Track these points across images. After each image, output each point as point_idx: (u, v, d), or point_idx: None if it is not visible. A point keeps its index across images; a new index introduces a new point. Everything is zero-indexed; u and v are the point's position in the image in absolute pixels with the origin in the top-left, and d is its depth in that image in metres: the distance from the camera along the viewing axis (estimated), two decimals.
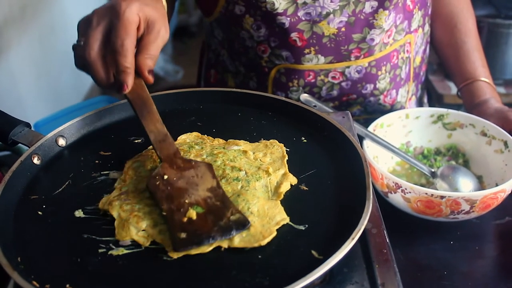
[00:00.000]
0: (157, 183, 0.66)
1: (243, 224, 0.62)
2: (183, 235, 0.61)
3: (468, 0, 1.25)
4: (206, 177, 0.68)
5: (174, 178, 0.67)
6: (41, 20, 2.53)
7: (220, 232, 0.61)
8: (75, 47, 0.73)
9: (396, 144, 1.09)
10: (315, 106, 1.00)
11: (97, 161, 0.77)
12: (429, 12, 1.21)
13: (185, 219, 0.63)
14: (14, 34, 2.18)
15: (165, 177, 0.67)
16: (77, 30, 0.74)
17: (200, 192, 0.66)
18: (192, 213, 0.63)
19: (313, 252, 0.60)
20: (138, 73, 0.70)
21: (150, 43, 0.70)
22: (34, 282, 0.56)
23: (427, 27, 1.22)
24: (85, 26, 0.72)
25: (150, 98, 0.72)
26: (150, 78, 0.71)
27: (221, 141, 0.79)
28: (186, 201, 0.65)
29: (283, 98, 0.86)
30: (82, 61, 0.71)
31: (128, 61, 0.68)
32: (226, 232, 0.61)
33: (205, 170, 0.68)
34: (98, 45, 0.70)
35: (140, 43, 0.71)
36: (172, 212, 0.63)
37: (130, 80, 0.69)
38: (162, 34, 0.72)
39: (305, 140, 0.80)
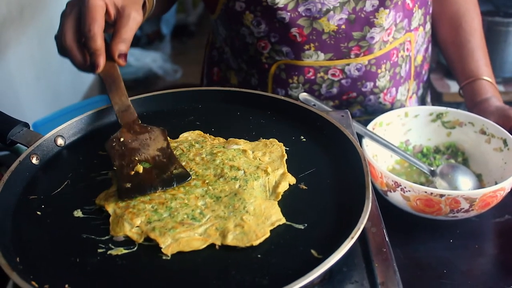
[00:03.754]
0: (113, 144, 0.75)
1: (184, 177, 0.69)
2: (128, 185, 0.68)
3: (475, 0, 1.24)
4: (158, 139, 0.76)
5: (129, 140, 0.75)
6: (40, 20, 2.52)
7: (161, 183, 0.69)
8: (55, 37, 0.80)
9: (395, 142, 1.09)
10: (314, 105, 1.00)
11: (95, 161, 0.77)
12: (430, 11, 1.21)
13: (132, 173, 0.70)
14: (13, 35, 2.18)
15: (121, 139, 0.75)
16: (59, 22, 0.80)
17: (150, 151, 0.74)
18: (139, 168, 0.71)
19: (313, 251, 0.60)
20: (110, 56, 0.76)
21: (122, 27, 0.76)
22: (33, 282, 0.56)
23: (428, 26, 1.22)
24: (62, 16, 0.79)
25: (119, 76, 0.80)
26: (121, 62, 0.77)
27: (222, 140, 0.79)
28: (136, 158, 0.73)
29: (282, 97, 0.86)
30: (61, 48, 0.78)
31: (97, 44, 0.74)
32: (167, 183, 0.69)
33: (158, 134, 0.76)
34: (72, 32, 0.76)
35: (114, 28, 0.77)
36: (122, 167, 0.71)
37: (101, 61, 0.75)
38: (133, 17, 0.77)
39: (304, 139, 0.80)
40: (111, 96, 0.78)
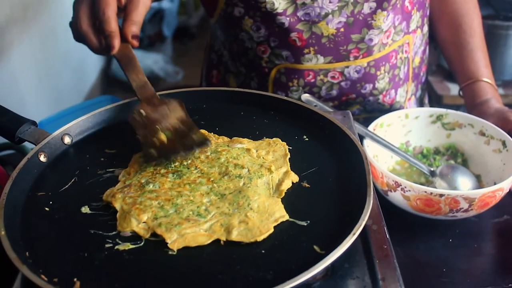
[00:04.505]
0: (135, 117, 0.78)
1: (203, 142, 0.76)
2: (154, 152, 0.75)
3: (475, 0, 1.24)
4: (176, 110, 0.80)
5: (150, 112, 0.79)
6: (43, 20, 2.54)
7: (184, 147, 0.75)
8: (70, 24, 0.83)
9: (396, 143, 1.10)
10: (316, 105, 1.01)
11: (102, 159, 0.78)
12: (428, 13, 1.22)
13: (156, 141, 0.76)
14: (16, 35, 2.19)
15: (142, 111, 0.79)
16: (72, 9, 0.83)
17: (170, 120, 0.79)
18: (162, 136, 0.76)
19: (315, 247, 0.61)
20: (124, 38, 0.79)
21: (132, 10, 0.79)
22: (43, 276, 0.58)
23: (426, 28, 1.23)
24: (75, 4, 0.82)
25: (134, 56, 0.83)
26: (135, 42, 0.80)
27: (226, 139, 0.81)
28: (158, 127, 0.77)
29: (285, 98, 0.87)
30: (77, 34, 0.81)
31: (112, 27, 0.77)
32: (188, 148, 0.75)
33: (175, 105, 0.80)
34: (86, 17, 0.79)
35: (124, 12, 0.80)
36: (146, 136, 0.76)
37: (116, 43, 0.77)
38: (142, 1, 0.80)
39: (307, 139, 0.81)
40: (128, 74, 0.81)
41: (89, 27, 0.79)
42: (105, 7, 0.77)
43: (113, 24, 0.77)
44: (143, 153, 0.76)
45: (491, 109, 1.12)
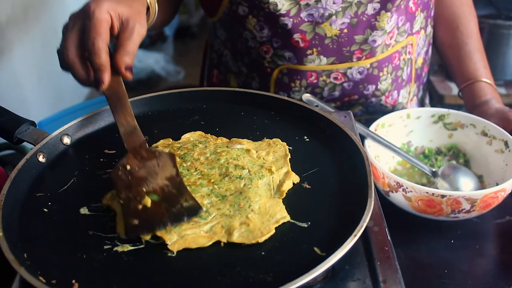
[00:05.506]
0: (119, 173, 0.69)
1: (195, 210, 0.65)
2: (136, 221, 0.64)
3: (471, 2, 1.25)
4: (167, 166, 0.71)
5: (136, 168, 0.70)
6: (43, 21, 2.53)
7: (171, 218, 0.64)
8: (58, 51, 0.75)
9: (397, 143, 1.10)
10: (317, 106, 1.01)
11: (101, 159, 0.78)
12: (432, 14, 1.22)
13: (140, 207, 0.66)
14: (17, 35, 2.19)
15: (128, 167, 0.70)
16: (62, 35, 0.76)
17: (158, 180, 0.69)
18: (147, 201, 0.66)
19: (316, 249, 0.60)
20: (116, 70, 0.72)
21: (126, 40, 0.72)
22: (41, 278, 0.57)
23: (429, 29, 1.23)
24: (64, 30, 0.75)
25: (125, 94, 0.75)
26: (128, 75, 0.73)
27: (225, 139, 0.80)
28: (144, 189, 0.68)
29: (286, 98, 0.87)
30: (63, 63, 0.74)
31: (102, 59, 0.70)
32: (177, 218, 0.64)
33: (166, 160, 0.71)
34: (75, 47, 0.72)
35: (117, 41, 0.73)
36: (129, 200, 0.67)
37: (106, 77, 0.71)
38: (137, 30, 0.73)
39: (307, 139, 0.81)
40: (117, 117, 0.74)
41: (76, 57, 0.72)
42: (95, 37, 0.69)
43: (103, 57, 0.70)
44: (124, 222, 0.65)
45: (491, 109, 1.11)
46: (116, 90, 0.74)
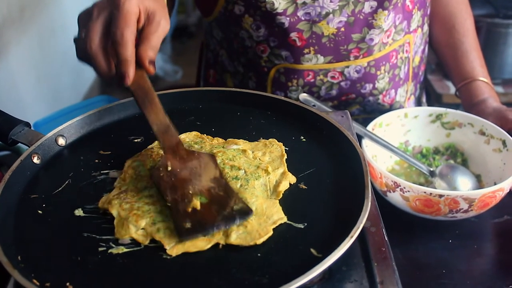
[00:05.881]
0: (161, 174, 0.67)
1: (246, 212, 0.64)
2: (188, 224, 0.62)
3: (467, 1, 1.25)
4: (209, 167, 0.69)
5: (178, 169, 0.68)
6: (40, 21, 2.53)
7: (224, 221, 0.63)
8: (76, 40, 0.73)
9: (395, 143, 1.10)
10: (314, 105, 1.00)
11: (96, 160, 0.77)
12: (428, 12, 1.22)
13: (190, 209, 0.64)
14: (13, 35, 2.18)
15: (169, 168, 0.68)
16: (78, 23, 0.74)
17: (203, 182, 0.67)
18: (196, 203, 0.64)
19: (312, 250, 0.60)
20: (139, 64, 0.70)
21: (151, 33, 0.70)
22: (34, 281, 0.57)
23: (426, 27, 1.22)
24: (85, 18, 0.72)
25: (152, 88, 0.72)
26: (152, 69, 0.71)
27: (221, 140, 0.80)
28: (190, 191, 0.66)
29: (282, 98, 0.86)
30: (83, 54, 0.71)
31: (129, 52, 0.68)
32: (229, 221, 0.63)
33: (208, 161, 0.69)
34: (99, 37, 0.70)
35: (141, 34, 0.71)
36: (177, 203, 0.64)
37: (131, 71, 0.69)
38: (162, 25, 0.71)
39: (304, 139, 0.80)
40: (147, 114, 0.70)
41: (99, 48, 0.69)
42: (125, 27, 0.67)
43: (130, 49, 0.68)
44: (174, 225, 0.63)
45: (489, 108, 1.11)
46: (142, 85, 0.71)
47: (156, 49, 0.71)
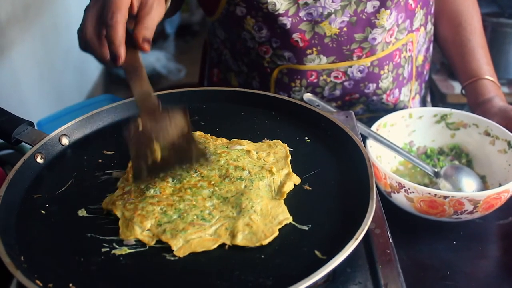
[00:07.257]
0: (131, 134, 0.71)
1: (203, 154, 0.70)
2: (145, 173, 0.68)
3: None
4: (178, 121, 0.72)
5: (149, 127, 0.71)
6: (44, 19, 2.53)
7: (179, 162, 0.69)
8: (78, 31, 0.76)
9: (399, 143, 1.09)
10: (318, 105, 1.00)
11: (100, 160, 0.77)
12: (432, 11, 1.21)
13: (150, 161, 0.69)
14: (17, 33, 2.18)
15: (140, 127, 0.71)
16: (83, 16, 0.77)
17: (169, 134, 0.71)
18: (157, 156, 0.69)
19: (317, 252, 0.60)
20: (135, 45, 0.73)
21: (144, 16, 0.73)
22: (37, 281, 0.56)
23: (429, 26, 1.22)
24: (85, 10, 0.75)
25: (141, 65, 0.75)
26: (146, 46, 0.73)
27: (225, 140, 0.79)
28: (154, 147, 0.70)
29: (287, 98, 0.86)
30: (83, 42, 0.74)
31: (119, 34, 0.70)
32: (184, 162, 0.69)
33: (177, 114, 0.72)
34: (93, 25, 0.73)
35: (136, 18, 0.74)
36: (139, 158, 0.69)
37: (122, 51, 0.71)
38: (155, 8, 0.74)
39: (308, 140, 0.80)
40: (132, 84, 0.73)
41: (94, 34, 0.72)
42: (115, 10, 0.70)
43: (120, 31, 0.70)
44: (132, 171, 0.70)
45: (494, 107, 1.10)
46: (133, 64, 0.74)
47: (151, 29, 0.73)
